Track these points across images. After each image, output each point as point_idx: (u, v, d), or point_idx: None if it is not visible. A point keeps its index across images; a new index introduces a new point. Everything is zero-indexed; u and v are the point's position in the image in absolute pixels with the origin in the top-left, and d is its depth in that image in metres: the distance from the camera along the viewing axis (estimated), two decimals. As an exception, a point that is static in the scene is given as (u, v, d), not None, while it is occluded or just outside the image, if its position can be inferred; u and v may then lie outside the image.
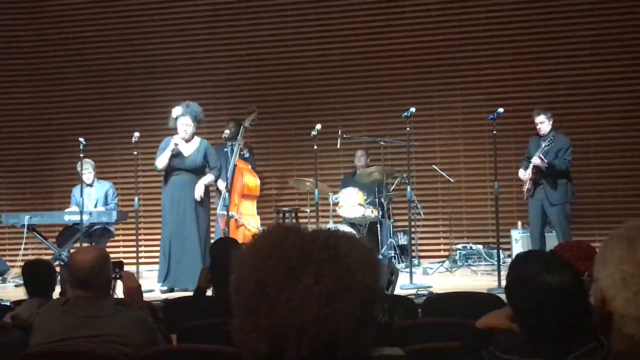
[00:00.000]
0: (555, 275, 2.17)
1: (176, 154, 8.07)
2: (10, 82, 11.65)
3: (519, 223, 9.85)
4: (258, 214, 9.25)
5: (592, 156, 10.12)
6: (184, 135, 8.09)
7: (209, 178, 8.22)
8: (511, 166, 9.70)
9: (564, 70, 10.28)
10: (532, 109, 8.84)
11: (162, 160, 8.11)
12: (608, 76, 10.15)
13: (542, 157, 8.13)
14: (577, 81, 10.25)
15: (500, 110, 7.83)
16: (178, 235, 8.00)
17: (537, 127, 8.44)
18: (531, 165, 8.27)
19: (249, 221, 8.81)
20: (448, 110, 10.62)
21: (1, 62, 11.62)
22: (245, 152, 9.36)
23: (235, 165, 8.78)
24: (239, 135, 8.92)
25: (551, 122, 8.41)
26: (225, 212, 8.40)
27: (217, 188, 9.11)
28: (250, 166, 9.25)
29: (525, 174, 8.42)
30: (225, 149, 8.79)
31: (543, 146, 8.19)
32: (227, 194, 8.37)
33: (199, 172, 8.16)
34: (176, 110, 8.23)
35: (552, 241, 8.35)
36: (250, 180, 9.01)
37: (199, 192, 8.04)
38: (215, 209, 9.00)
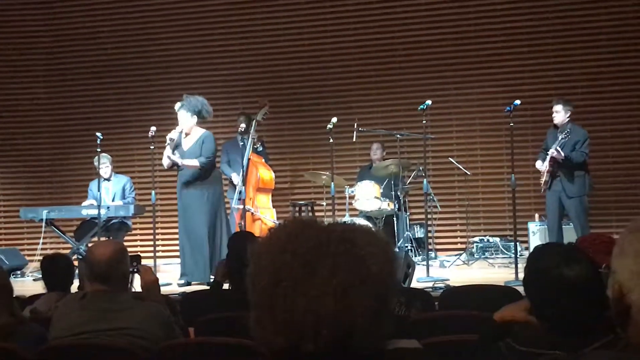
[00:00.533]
0: (573, 268, 2.17)
1: (176, 148, 8.08)
2: (29, 77, 11.71)
3: (536, 215, 9.82)
4: (274, 207, 9.27)
5: (610, 148, 10.06)
6: (180, 128, 8.09)
7: (191, 162, 8.02)
8: (528, 158, 9.66)
9: (582, 62, 10.21)
10: (548, 101, 8.79)
11: (164, 159, 8.18)
12: (626, 67, 10.07)
13: (559, 149, 8.07)
14: (595, 72, 10.17)
15: (517, 102, 7.77)
16: (187, 230, 8.05)
17: (553, 115, 8.39)
18: (548, 157, 8.22)
19: (264, 214, 8.83)
20: (464, 102, 10.58)
21: (19, 58, 11.68)
22: (258, 145, 9.36)
23: (249, 159, 8.77)
24: (252, 129, 8.91)
25: (568, 115, 8.33)
26: (241, 206, 8.41)
27: (231, 182, 9.12)
28: (263, 160, 9.26)
29: (542, 166, 8.37)
30: (241, 143, 8.80)
31: (560, 138, 8.13)
32: (243, 187, 8.38)
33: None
34: (176, 105, 8.27)
35: (569, 234, 8.31)
36: (265, 173, 9.02)
37: (181, 162, 7.99)
38: (229, 202, 9.02)
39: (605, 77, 10.15)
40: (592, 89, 10.16)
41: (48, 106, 11.69)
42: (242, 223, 8.34)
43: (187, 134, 8.13)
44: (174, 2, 11.38)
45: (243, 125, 8.76)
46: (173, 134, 8.06)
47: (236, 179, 8.80)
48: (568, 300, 2.14)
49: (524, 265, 2.42)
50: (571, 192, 8.21)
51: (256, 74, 11.13)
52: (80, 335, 3.31)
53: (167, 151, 8.09)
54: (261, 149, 9.45)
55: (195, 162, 8.00)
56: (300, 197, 10.71)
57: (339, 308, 1.42)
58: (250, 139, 8.83)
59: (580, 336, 2.09)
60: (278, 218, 9.15)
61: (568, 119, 8.33)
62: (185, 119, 8.11)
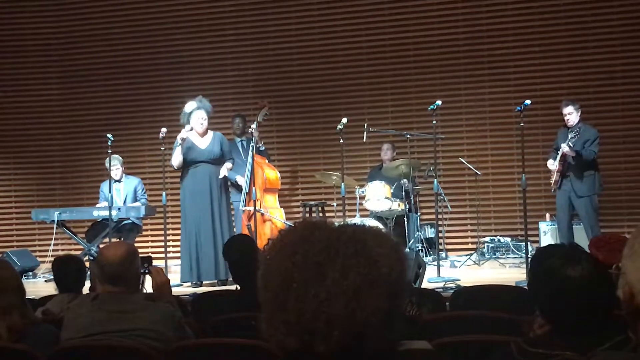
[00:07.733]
0: (575, 268, 2.16)
1: (192, 147, 8.04)
2: (41, 79, 11.76)
3: (547, 215, 9.79)
4: (285, 208, 9.27)
5: (622, 147, 10.02)
6: (199, 128, 8.05)
7: (228, 165, 8.17)
8: (539, 158, 9.64)
9: (593, 61, 10.17)
10: (559, 101, 8.78)
11: (175, 158, 8.10)
12: (638, 67, 10.03)
13: (571, 145, 8.07)
14: (607, 72, 10.13)
15: (528, 102, 7.75)
16: (203, 227, 7.95)
17: (565, 117, 8.37)
18: (559, 157, 8.21)
19: (274, 215, 8.82)
20: (475, 102, 10.56)
21: (32, 59, 11.73)
22: (260, 144, 9.31)
23: (253, 160, 8.75)
24: (253, 130, 8.81)
25: (579, 113, 8.34)
26: (249, 208, 8.41)
27: (235, 184, 9.09)
28: (266, 160, 9.22)
29: (553, 165, 8.36)
30: (239, 145, 8.78)
31: (570, 137, 8.13)
32: (254, 188, 8.37)
33: (217, 162, 8.10)
34: (190, 105, 8.18)
35: (580, 233, 8.29)
36: (271, 173, 9.00)
37: (223, 173, 8.05)
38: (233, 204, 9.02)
39: (617, 77, 10.12)
40: (604, 88, 10.12)
41: (60, 108, 11.73)
42: (251, 225, 8.33)
43: (201, 135, 8.10)
44: (185, 3, 11.40)
45: (253, 126, 8.76)
46: (184, 134, 8.04)
47: (241, 180, 8.79)
48: (573, 301, 2.14)
49: (528, 267, 2.42)
50: (581, 192, 8.21)
51: (266, 74, 11.14)
52: (93, 336, 3.32)
53: (178, 151, 8.05)
54: (262, 148, 9.42)
55: (229, 165, 8.17)
56: (311, 198, 10.71)
57: (350, 309, 1.43)
58: (253, 140, 8.77)
59: (590, 336, 2.08)
60: (288, 218, 9.15)
61: (579, 118, 8.34)
62: (205, 119, 8.11)
